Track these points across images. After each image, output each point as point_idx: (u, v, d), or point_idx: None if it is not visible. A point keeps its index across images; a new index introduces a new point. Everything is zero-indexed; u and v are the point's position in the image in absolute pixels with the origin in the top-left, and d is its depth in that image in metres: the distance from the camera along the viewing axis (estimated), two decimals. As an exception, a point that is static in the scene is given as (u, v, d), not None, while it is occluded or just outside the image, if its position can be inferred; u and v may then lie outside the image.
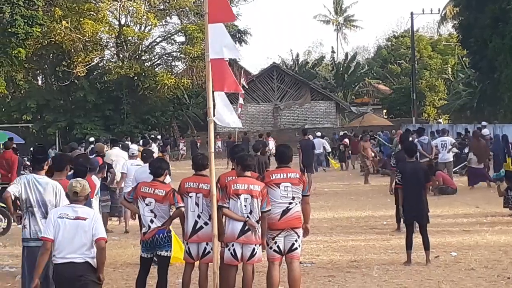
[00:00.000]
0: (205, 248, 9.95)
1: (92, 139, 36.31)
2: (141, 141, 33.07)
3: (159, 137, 44.59)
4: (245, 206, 9.59)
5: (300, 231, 9.97)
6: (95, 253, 7.85)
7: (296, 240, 9.90)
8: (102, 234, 7.87)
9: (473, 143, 25.82)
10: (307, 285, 11.24)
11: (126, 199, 10.49)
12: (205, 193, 9.92)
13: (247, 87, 51.16)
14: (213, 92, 9.92)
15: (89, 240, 7.84)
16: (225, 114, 9.93)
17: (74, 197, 8.10)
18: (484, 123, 32.64)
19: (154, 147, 31.46)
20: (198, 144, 48.50)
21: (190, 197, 9.97)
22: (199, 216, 9.94)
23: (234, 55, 10.20)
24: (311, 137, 37.55)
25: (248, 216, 9.58)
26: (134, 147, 19.82)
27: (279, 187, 9.83)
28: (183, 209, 9.88)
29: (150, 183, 10.20)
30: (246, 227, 9.57)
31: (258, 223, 9.60)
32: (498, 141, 26.91)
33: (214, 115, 9.95)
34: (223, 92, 9.96)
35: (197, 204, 9.95)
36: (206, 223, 9.91)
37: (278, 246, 9.84)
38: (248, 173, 9.88)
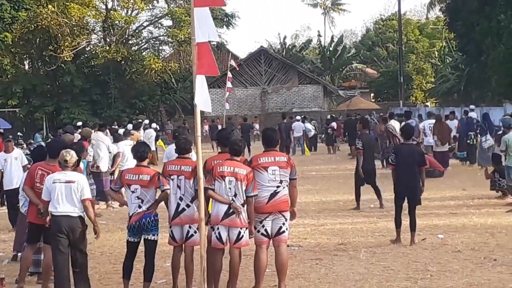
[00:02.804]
0: (188, 231, 9.96)
1: (79, 123, 36.24)
2: (129, 125, 33.05)
3: (146, 121, 44.46)
4: (230, 188, 9.59)
5: (288, 215, 9.97)
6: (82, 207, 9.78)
7: (283, 224, 9.89)
8: (87, 195, 9.83)
9: (436, 126, 25.73)
10: (295, 268, 11.26)
11: (113, 189, 10.39)
12: (187, 175, 9.91)
13: (237, 68, 51.08)
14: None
15: (78, 199, 9.74)
16: (203, 98, 9.85)
17: (64, 164, 9.91)
18: (472, 106, 32.62)
19: (142, 132, 31.56)
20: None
21: (172, 179, 9.96)
22: (181, 199, 9.93)
23: (215, 37, 10.11)
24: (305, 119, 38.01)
25: (232, 199, 9.59)
26: (129, 127, 20.20)
27: (267, 171, 9.81)
28: (168, 191, 9.88)
29: (134, 169, 10.19)
30: (231, 210, 9.58)
31: (243, 206, 9.61)
32: (463, 123, 27.42)
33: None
34: (203, 75, 9.86)
35: (179, 187, 9.93)
36: (188, 205, 9.92)
37: (265, 230, 9.84)
38: (238, 158, 9.87)
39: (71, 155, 9.97)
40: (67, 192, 9.76)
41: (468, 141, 26.58)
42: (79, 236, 9.83)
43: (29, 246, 10.81)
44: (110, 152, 19.80)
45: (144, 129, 34.45)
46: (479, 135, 26.51)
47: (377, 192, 17.92)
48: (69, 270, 9.98)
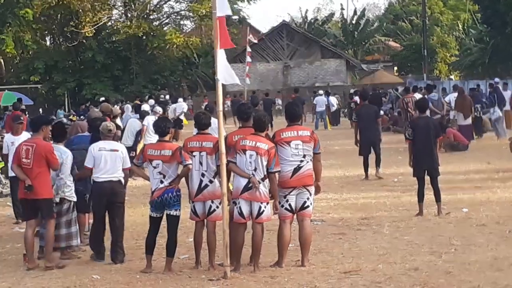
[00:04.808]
0: (210, 206, 9.95)
1: (102, 99, 36.31)
2: (150, 101, 33.10)
3: (167, 97, 44.45)
4: (250, 162, 9.56)
5: (312, 189, 9.96)
6: (123, 174, 10.83)
7: (308, 198, 9.89)
8: (128, 164, 10.86)
9: (458, 100, 25.57)
10: (318, 243, 11.22)
11: (136, 164, 10.48)
12: (208, 151, 9.88)
13: (256, 41, 50.80)
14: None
15: (120, 165, 10.74)
16: (227, 72, 9.82)
17: (108, 133, 10.85)
18: (496, 79, 32.42)
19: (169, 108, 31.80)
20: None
21: (194, 156, 9.92)
22: (203, 175, 9.90)
23: (228, 11, 10.08)
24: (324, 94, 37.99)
25: (252, 173, 9.55)
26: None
27: (289, 145, 9.79)
28: (190, 166, 9.83)
29: (157, 145, 10.23)
30: (250, 184, 9.56)
31: (263, 180, 9.58)
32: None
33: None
34: (223, 49, 9.83)
35: (201, 163, 9.90)
36: (210, 181, 9.90)
37: (289, 205, 9.83)
38: (261, 133, 9.83)
39: (113, 126, 11.12)
40: (111, 160, 10.69)
41: (475, 113, 26.57)
42: (118, 198, 10.82)
43: (27, 223, 10.79)
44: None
45: (173, 102, 34.59)
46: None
47: (377, 161, 18.43)
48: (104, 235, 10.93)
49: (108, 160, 10.66)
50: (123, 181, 10.89)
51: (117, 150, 10.79)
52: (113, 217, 10.83)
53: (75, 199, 11.17)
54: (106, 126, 10.94)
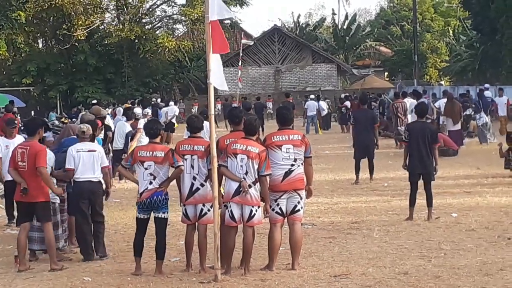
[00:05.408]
0: (201, 210, 9.96)
1: (94, 101, 36.30)
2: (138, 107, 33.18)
3: (159, 100, 44.50)
4: (241, 166, 9.59)
5: (303, 193, 9.97)
6: (101, 174, 11.17)
7: (298, 202, 9.90)
8: (106, 163, 11.34)
9: (447, 105, 25.61)
10: (308, 247, 11.26)
11: (124, 166, 10.40)
12: (200, 155, 9.89)
13: (252, 44, 50.92)
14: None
15: (98, 165, 11.09)
16: (220, 76, 9.88)
17: (82, 135, 11.19)
18: (486, 85, 32.57)
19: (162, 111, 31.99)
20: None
21: (186, 159, 9.93)
22: (194, 178, 9.91)
23: (228, 15, 10.15)
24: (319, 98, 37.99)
25: (244, 177, 9.59)
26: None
27: (280, 149, 9.81)
28: (182, 167, 9.86)
29: (148, 146, 10.24)
30: (241, 188, 9.59)
31: (254, 184, 9.61)
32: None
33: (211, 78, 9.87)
34: (218, 54, 9.90)
35: (192, 166, 9.91)
36: (202, 185, 9.91)
37: (280, 208, 9.85)
38: (252, 137, 9.87)
39: (87, 127, 11.29)
40: (90, 160, 11.02)
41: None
42: (98, 198, 11.25)
43: (22, 226, 10.75)
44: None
45: (165, 105, 34.67)
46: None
47: (370, 168, 18.45)
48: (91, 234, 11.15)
49: (86, 161, 11.00)
50: (102, 181, 11.27)
51: (94, 151, 11.16)
52: (93, 216, 11.18)
53: (58, 201, 11.20)
54: (80, 128, 11.35)
